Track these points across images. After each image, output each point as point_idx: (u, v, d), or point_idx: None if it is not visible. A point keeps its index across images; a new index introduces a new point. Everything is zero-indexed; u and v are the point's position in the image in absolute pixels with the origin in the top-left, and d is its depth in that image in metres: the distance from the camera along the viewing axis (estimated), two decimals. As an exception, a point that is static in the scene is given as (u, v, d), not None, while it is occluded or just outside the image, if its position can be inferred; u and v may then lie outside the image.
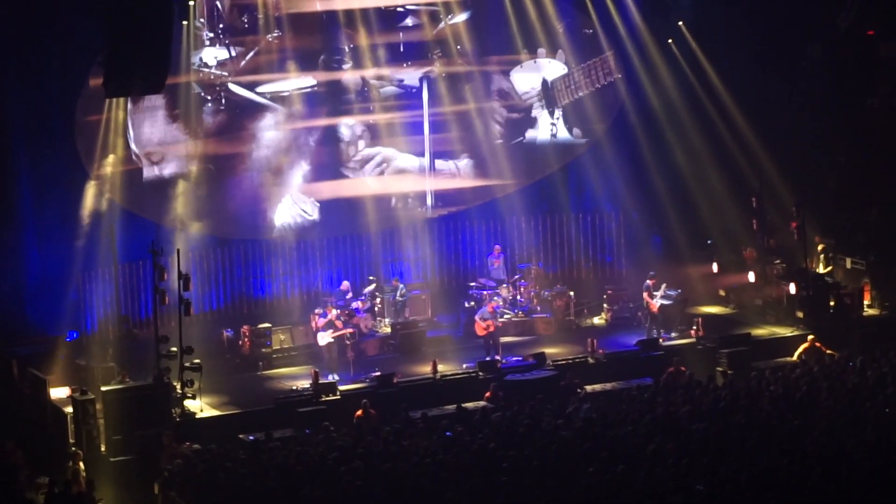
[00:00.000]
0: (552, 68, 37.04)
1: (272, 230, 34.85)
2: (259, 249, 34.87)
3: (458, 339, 33.77)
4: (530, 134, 37.21)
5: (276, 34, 34.21)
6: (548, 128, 37.18)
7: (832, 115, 36.21)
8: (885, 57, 36.19)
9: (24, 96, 30.68)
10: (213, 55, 33.72)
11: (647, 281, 33.54)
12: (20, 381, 29.03)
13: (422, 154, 36.41)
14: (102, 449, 26.32)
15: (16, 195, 30.95)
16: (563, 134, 37.25)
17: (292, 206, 34.97)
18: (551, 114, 37.18)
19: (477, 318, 32.35)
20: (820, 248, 34.61)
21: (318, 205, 35.14)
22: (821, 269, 34.20)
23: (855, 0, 35.24)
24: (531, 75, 37.05)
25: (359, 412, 26.67)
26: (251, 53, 34.17)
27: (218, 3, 33.67)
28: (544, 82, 37.05)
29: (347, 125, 35.57)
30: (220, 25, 33.77)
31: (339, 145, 35.55)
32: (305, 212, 35.06)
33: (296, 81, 34.75)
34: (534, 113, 37.20)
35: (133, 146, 32.84)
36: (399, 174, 36.28)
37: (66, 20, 30.44)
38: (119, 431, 26.20)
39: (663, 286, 33.32)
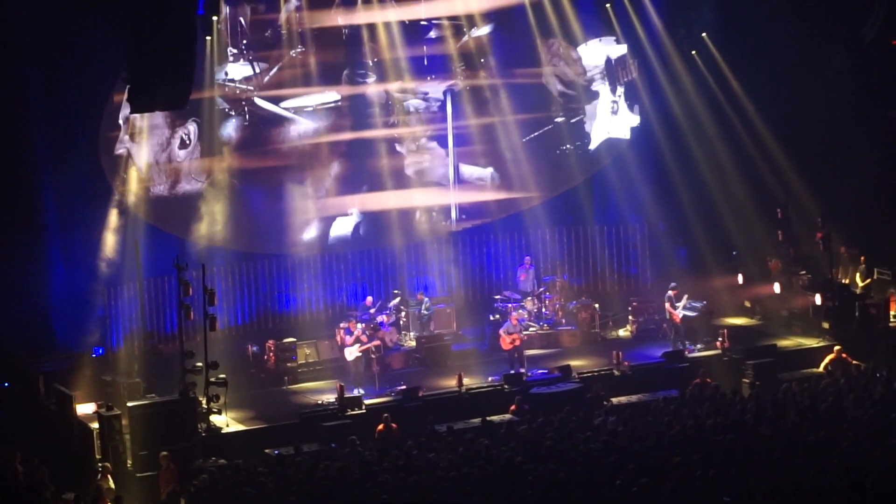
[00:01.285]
0: (617, 49, 37.13)
1: (297, 245, 34.88)
2: (284, 264, 34.92)
3: (483, 352, 33.71)
4: (589, 109, 37.29)
5: (299, 49, 34.28)
6: (608, 105, 37.23)
7: (857, 125, 36.02)
8: (910, 67, 36.09)
9: (48, 112, 30.70)
10: (237, 71, 33.82)
11: (669, 292, 33.42)
12: (46, 398, 29.11)
13: (446, 167, 36.42)
14: (129, 464, 26.38)
15: (41, 211, 31.03)
16: (623, 111, 37.29)
17: (317, 220, 35.05)
18: (613, 91, 37.22)
19: (502, 332, 32.25)
20: (861, 259, 34.44)
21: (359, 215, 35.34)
22: (859, 282, 34.05)
23: (880, 11, 35.08)
24: (596, 53, 37.14)
25: (380, 426, 26.70)
26: (275, 69, 34.22)
27: (241, 18, 33.75)
28: (608, 60, 37.08)
29: (372, 139, 35.58)
30: (244, 41, 33.84)
31: (363, 159, 35.54)
32: (333, 225, 35.20)
33: (320, 96, 34.81)
34: (595, 87, 37.29)
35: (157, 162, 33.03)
36: (423, 187, 36.28)
37: (90, 36, 30.43)
38: (145, 447, 26.20)
39: (685, 297, 33.22)
